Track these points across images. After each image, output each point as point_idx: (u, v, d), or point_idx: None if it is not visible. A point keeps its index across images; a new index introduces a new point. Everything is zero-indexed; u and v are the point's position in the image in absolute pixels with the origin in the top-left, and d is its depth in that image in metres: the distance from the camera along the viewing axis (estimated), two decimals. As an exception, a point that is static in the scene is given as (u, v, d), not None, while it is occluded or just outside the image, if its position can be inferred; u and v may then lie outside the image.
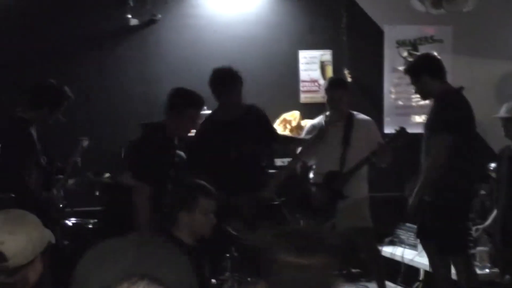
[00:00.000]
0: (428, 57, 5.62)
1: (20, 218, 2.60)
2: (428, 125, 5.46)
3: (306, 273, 1.81)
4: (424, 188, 5.24)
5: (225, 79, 5.37)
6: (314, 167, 6.22)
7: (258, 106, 5.66)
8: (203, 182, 4.22)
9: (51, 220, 5.01)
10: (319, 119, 6.27)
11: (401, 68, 7.71)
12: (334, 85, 6.08)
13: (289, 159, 6.66)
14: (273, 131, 5.79)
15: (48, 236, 2.66)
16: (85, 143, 5.88)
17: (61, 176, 5.64)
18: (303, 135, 6.36)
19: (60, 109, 5.35)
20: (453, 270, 5.47)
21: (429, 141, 5.35)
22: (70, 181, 5.80)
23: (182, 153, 6.64)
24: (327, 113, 6.19)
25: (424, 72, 5.39)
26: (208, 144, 5.42)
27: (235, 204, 5.27)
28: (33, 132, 5.18)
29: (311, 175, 6.22)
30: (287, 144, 5.84)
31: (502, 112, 5.87)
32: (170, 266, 1.32)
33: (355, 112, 6.17)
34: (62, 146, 5.84)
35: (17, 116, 5.23)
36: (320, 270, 1.82)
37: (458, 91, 5.45)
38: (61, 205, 5.59)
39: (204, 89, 7.42)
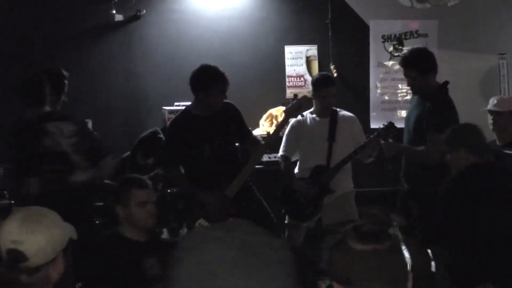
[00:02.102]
0: (425, 52, 5.56)
1: (40, 216, 2.58)
2: (418, 121, 5.35)
3: (376, 259, 1.81)
4: (411, 155, 5.27)
5: (212, 80, 5.28)
6: (298, 162, 6.21)
7: (234, 104, 5.61)
8: (134, 175, 4.20)
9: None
10: (305, 114, 6.25)
11: (386, 62, 7.74)
12: (327, 82, 6.04)
13: (275, 155, 6.66)
14: (247, 130, 5.73)
15: (69, 232, 2.63)
16: (89, 124, 5.85)
17: None
18: (287, 130, 6.34)
19: (63, 92, 5.29)
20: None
21: (416, 137, 5.31)
22: None
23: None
24: (312, 109, 6.18)
25: (419, 66, 5.33)
26: (182, 138, 5.37)
27: (204, 200, 5.26)
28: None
29: (296, 170, 6.20)
30: (254, 145, 5.75)
31: (491, 105, 5.88)
32: None
33: (338, 109, 6.16)
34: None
35: (19, 119, 5.13)
36: (388, 254, 1.81)
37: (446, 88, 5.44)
38: None
39: (188, 84, 7.40)
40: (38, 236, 2.48)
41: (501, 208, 4.01)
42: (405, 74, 5.44)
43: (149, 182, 4.01)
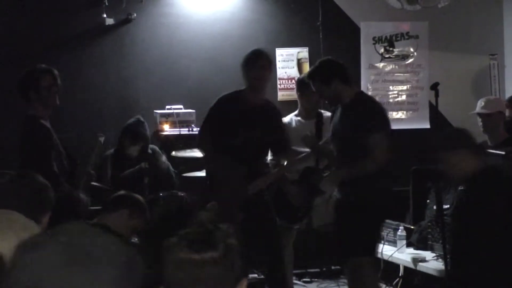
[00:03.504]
0: (325, 61, 5.36)
1: (9, 222, 2.56)
2: (346, 130, 5.16)
3: (201, 269, 1.78)
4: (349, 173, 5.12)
5: (262, 56, 5.38)
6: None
7: (279, 111, 5.75)
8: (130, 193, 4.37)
9: (76, 215, 4.94)
10: (288, 118, 6.28)
11: (377, 64, 7.75)
12: (305, 82, 6.06)
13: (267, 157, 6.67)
14: (284, 140, 5.65)
15: (37, 231, 2.61)
16: (102, 139, 5.85)
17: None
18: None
19: (42, 86, 5.23)
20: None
21: (344, 147, 5.24)
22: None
23: (155, 147, 6.64)
24: (297, 111, 6.21)
25: (336, 78, 5.14)
26: (222, 116, 5.39)
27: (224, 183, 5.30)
28: (47, 124, 5.12)
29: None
30: (287, 152, 5.74)
31: (479, 107, 5.90)
32: None
33: (322, 111, 6.18)
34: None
35: (26, 115, 5.16)
36: (215, 265, 1.79)
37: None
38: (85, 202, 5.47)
39: (179, 88, 7.41)
40: (10, 241, 2.46)
41: None
42: (316, 90, 5.31)
43: (145, 204, 4.34)
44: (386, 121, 5.14)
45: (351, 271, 5.23)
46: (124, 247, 1.37)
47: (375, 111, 5.12)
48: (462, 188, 4.29)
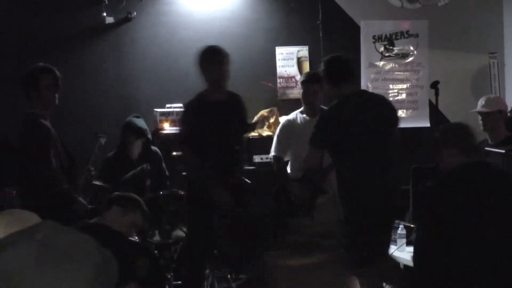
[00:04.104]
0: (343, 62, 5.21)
1: (25, 220, 2.56)
2: None
3: (316, 272, 1.79)
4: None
5: (214, 55, 5.42)
6: (290, 162, 6.22)
7: (241, 98, 5.73)
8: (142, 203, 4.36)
9: (73, 214, 4.95)
10: (293, 115, 6.28)
11: (377, 63, 7.75)
12: (311, 79, 6.09)
13: (266, 156, 6.69)
14: (247, 121, 5.86)
15: None
16: (103, 140, 5.85)
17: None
18: (278, 130, 6.37)
19: (43, 86, 5.23)
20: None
21: None
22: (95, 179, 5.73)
23: (156, 148, 6.63)
24: (301, 108, 6.21)
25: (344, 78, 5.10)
26: (192, 121, 5.43)
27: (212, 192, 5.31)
28: (46, 123, 5.13)
29: (287, 170, 6.22)
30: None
31: (479, 106, 5.90)
32: None
33: (326, 108, 6.19)
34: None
35: (26, 113, 5.16)
36: (327, 265, 1.80)
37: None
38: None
39: (179, 86, 7.41)
40: None
41: (492, 209, 3.88)
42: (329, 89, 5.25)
43: (138, 199, 4.32)
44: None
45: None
46: (98, 247, 1.37)
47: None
48: (429, 184, 4.26)
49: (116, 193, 4.47)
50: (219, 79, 5.43)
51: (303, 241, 1.84)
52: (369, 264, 4.91)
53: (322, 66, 5.17)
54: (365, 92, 5.30)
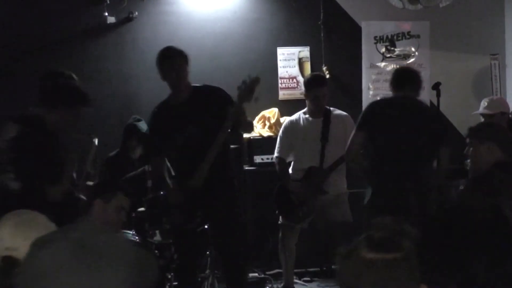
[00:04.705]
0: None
1: (32, 221, 2.56)
2: None
3: (384, 269, 1.77)
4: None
5: (163, 61, 5.26)
6: (293, 163, 6.23)
7: (210, 85, 5.43)
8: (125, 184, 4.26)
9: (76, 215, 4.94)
10: (296, 116, 6.28)
11: (379, 64, 7.75)
12: (319, 82, 6.08)
13: (267, 156, 6.69)
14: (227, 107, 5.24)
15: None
16: (96, 140, 5.85)
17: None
18: (281, 131, 6.37)
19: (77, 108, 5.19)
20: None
21: None
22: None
23: None
24: (305, 109, 6.21)
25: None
26: (158, 128, 5.33)
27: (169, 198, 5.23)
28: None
29: (290, 171, 6.22)
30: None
31: (482, 107, 5.91)
32: None
33: (331, 108, 6.19)
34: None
35: (30, 114, 5.13)
36: (397, 264, 1.78)
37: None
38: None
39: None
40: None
41: None
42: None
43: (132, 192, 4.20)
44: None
45: None
46: (135, 247, 1.37)
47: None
48: (469, 181, 4.25)
49: (90, 185, 4.39)
50: (174, 83, 5.25)
51: (382, 237, 1.83)
52: None
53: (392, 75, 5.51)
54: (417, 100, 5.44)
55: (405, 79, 5.33)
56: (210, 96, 5.28)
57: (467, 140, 4.22)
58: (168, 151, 5.29)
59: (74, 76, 5.39)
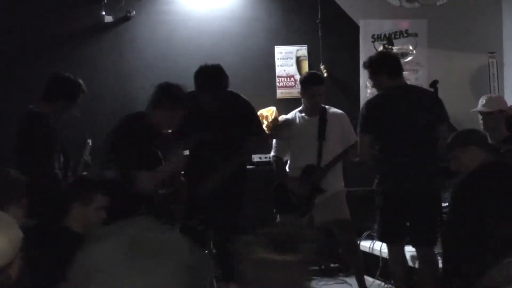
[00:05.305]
0: (388, 56, 5.73)
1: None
2: None
3: (285, 270, 1.78)
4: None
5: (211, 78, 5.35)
6: (289, 161, 6.22)
7: (243, 100, 5.61)
8: (103, 178, 4.25)
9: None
10: (292, 114, 6.28)
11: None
12: (316, 81, 6.07)
13: (265, 155, 6.69)
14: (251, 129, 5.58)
15: (20, 231, 2.61)
16: (90, 141, 5.86)
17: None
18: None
19: (75, 103, 5.29)
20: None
21: None
22: None
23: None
24: (301, 108, 6.21)
25: (383, 70, 5.38)
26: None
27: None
28: (53, 123, 5.13)
29: (286, 169, 6.22)
30: None
31: (480, 105, 5.91)
32: None
33: (327, 106, 6.19)
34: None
35: (32, 111, 5.14)
36: (299, 266, 1.79)
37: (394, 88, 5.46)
38: None
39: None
40: None
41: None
42: (369, 77, 5.62)
43: (111, 188, 4.10)
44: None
45: None
46: (190, 247, 1.37)
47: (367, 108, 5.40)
48: (461, 179, 4.31)
49: (64, 189, 4.32)
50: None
51: (282, 238, 1.82)
52: None
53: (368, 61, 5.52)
54: (408, 85, 5.61)
55: (399, 65, 5.46)
56: (237, 103, 5.52)
57: (449, 156, 4.37)
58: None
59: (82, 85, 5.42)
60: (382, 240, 5.57)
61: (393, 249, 5.39)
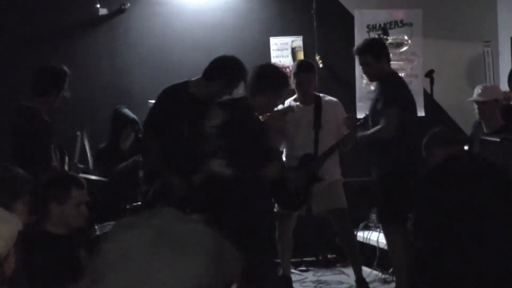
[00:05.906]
0: (376, 39, 6.00)
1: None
2: (375, 106, 5.68)
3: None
4: (365, 140, 5.65)
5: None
6: (285, 151, 6.21)
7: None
8: (74, 174, 4.16)
9: None
10: (286, 103, 6.28)
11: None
12: (302, 68, 6.10)
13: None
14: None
15: (16, 225, 2.61)
16: (80, 134, 5.86)
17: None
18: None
19: (64, 88, 5.29)
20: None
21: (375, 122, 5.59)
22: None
23: None
24: (295, 96, 6.22)
25: (373, 52, 5.61)
26: (169, 110, 5.30)
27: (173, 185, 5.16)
28: (47, 119, 5.13)
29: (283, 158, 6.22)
30: None
31: (476, 95, 5.91)
32: None
33: (321, 95, 6.19)
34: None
35: (26, 106, 5.14)
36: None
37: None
38: None
39: (173, 78, 7.38)
40: None
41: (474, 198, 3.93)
42: (361, 63, 5.78)
43: (84, 182, 3.94)
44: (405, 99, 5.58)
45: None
46: (217, 239, 1.36)
47: (402, 87, 5.66)
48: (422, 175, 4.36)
49: (39, 190, 4.22)
50: None
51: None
52: None
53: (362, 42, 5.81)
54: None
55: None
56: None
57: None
58: (167, 137, 5.22)
59: (66, 69, 5.38)
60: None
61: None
